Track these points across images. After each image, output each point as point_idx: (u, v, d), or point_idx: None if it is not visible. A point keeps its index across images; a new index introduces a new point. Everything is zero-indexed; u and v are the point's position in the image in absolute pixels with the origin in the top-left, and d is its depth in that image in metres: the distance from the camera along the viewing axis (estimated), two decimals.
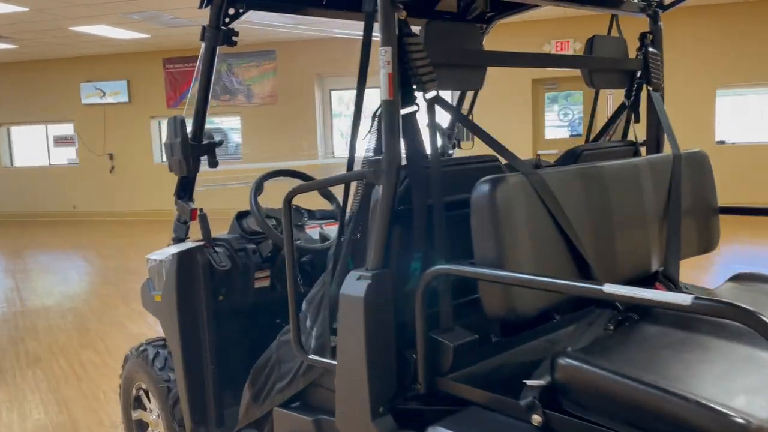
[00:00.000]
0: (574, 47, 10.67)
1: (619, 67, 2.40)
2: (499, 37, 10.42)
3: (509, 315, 1.60)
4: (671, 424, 1.31)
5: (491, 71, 2.07)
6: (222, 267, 2.57)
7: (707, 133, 10.38)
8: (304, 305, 2.14)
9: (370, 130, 1.80)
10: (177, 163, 2.40)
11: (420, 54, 1.69)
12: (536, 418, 1.46)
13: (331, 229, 2.79)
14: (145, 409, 3.01)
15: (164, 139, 2.45)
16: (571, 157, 2.28)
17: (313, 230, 2.73)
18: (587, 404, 1.44)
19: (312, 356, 1.93)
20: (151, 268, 2.76)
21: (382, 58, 1.67)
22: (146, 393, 2.97)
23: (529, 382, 1.52)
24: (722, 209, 2.34)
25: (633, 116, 2.55)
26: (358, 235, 1.82)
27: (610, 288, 1.25)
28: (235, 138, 12.72)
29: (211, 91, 2.42)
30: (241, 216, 2.74)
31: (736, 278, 2.17)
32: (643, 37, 2.45)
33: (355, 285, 1.72)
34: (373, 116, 1.79)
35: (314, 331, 2.01)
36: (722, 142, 10.49)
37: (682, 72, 10.12)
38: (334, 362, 1.85)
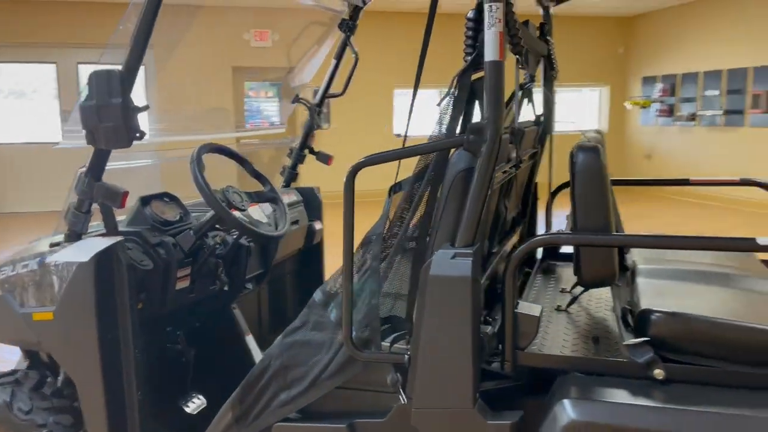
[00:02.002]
0: (273, 38, 10.84)
1: (542, 52, 2.65)
2: (200, 18, 9.96)
3: (609, 279, 1.68)
4: (760, 352, 1.59)
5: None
6: (144, 267, 2.04)
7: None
8: (318, 296, 1.87)
9: (447, 96, 1.67)
10: (111, 132, 1.79)
11: (514, 15, 1.63)
12: (659, 372, 1.58)
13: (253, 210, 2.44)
14: None
15: (82, 98, 1.81)
16: (517, 135, 2.44)
17: (253, 209, 2.36)
18: (686, 350, 1.62)
19: (371, 353, 1.71)
20: (19, 277, 2.03)
21: (491, 15, 1.55)
22: None
23: (630, 342, 1.64)
24: None
25: (529, 98, 2.83)
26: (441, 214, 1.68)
27: (762, 240, 1.46)
28: None
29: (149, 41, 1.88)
30: (146, 202, 2.19)
31: None
32: (542, 26, 2.74)
33: (453, 264, 1.59)
34: (454, 81, 1.67)
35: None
36: (399, 135, 11.95)
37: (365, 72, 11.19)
38: (405, 354, 1.68)
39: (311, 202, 3.15)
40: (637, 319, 1.70)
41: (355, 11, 2.99)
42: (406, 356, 1.69)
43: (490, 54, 1.57)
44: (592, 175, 1.67)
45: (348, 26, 3.00)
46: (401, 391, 1.71)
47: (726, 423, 1.40)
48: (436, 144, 1.67)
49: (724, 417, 1.41)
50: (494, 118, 1.58)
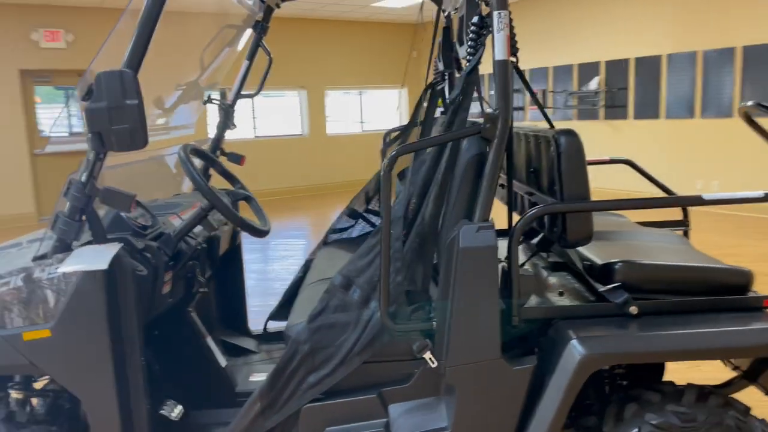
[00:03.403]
0: (66, 38, 9.93)
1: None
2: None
3: (588, 238, 2.03)
4: (702, 284, 2.05)
5: None
6: (140, 273, 1.97)
7: None
8: (338, 280, 1.99)
9: (458, 91, 1.90)
10: (127, 134, 1.72)
11: (512, 21, 1.89)
12: (634, 309, 1.97)
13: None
14: None
15: (88, 102, 1.71)
16: None
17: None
18: (645, 289, 2.04)
19: (403, 324, 1.88)
20: (7, 293, 1.83)
21: (500, 21, 1.79)
22: None
23: (604, 288, 2.03)
24: None
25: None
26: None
27: (708, 196, 1.91)
28: None
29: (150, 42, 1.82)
30: None
31: None
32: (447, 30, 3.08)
33: (478, 236, 1.83)
34: (465, 77, 1.89)
35: (372, 303, 1.93)
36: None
37: None
38: (432, 321, 1.89)
39: None
40: (602, 271, 2.09)
41: (268, 13, 3.07)
42: (434, 323, 1.91)
43: (499, 54, 1.82)
44: (576, 153, 2.00)
45: (261, 27, 3.06)
46: (431, 354, 1.92)
47: (685, 337, 1.83)
48: (458, 133, 1.89)
49: (684, 334, 1.84)
50: (505, 108, 1.85)
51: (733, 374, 2.35)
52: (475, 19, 1.88)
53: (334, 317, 1.96)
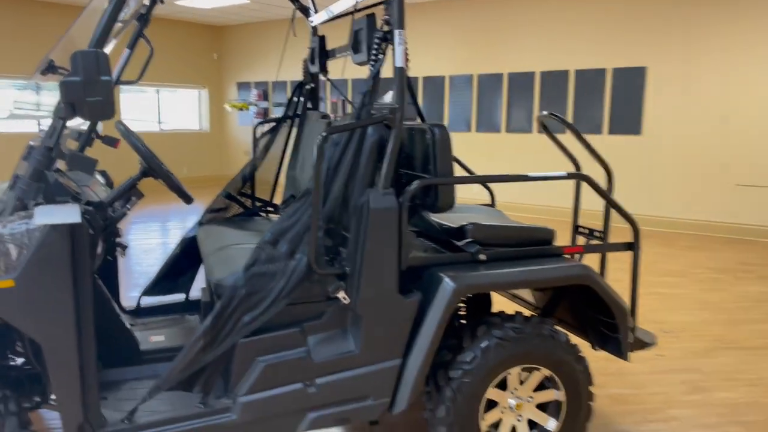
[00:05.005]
0: None
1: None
2: None
3: (452, 206, 2.69)
4: (524, 239, 2.84)
5: None
6: (90, 232, 2.19)
7: None
8: (268, 236, 2.40)
9: (367, 91, 2.43)
10: (99, 106, 1.95)
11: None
12: (483, 257, 2.68)
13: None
14: None
15: (63, 77, 1.91)
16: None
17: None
18: (488, 242, 2.77)
19: (324, 270, 2.36)
20: None
21: (400, 38, 2.37)
22: None
23: (461, 243, 2.72)
24: None
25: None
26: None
27: (531, 174, 2.69)
28: None
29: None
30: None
31: None
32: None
33: (384, 199, 2.39)
34: (372, 79, 2.43)
35: (297, 255, 2.38)
36: None
37: None
38: (346, 267, 2.41)
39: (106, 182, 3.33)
40: (457, 231, 2.78)
41: (151, 5, 3.31)
42: (347, 269, 2.43)
43: (399, 62, 2.42)
44: (447, 141, 2.65)
45: (143, 18, 3.29)
46: (344, 293, 2.43)
47: (517, 273, 2.56)
48: (369, 120, 2.42)
49: (516, 271, 2.58)
50: (401, 103, 2.44)
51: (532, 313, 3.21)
52: (379, 34, 2.45)
53: (264, 267, 2.38)
